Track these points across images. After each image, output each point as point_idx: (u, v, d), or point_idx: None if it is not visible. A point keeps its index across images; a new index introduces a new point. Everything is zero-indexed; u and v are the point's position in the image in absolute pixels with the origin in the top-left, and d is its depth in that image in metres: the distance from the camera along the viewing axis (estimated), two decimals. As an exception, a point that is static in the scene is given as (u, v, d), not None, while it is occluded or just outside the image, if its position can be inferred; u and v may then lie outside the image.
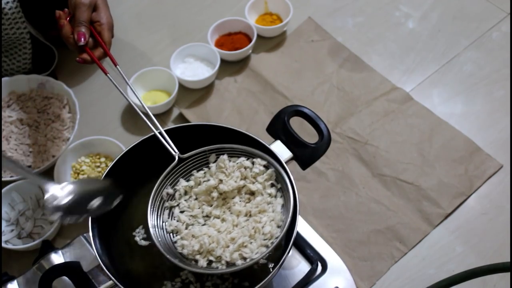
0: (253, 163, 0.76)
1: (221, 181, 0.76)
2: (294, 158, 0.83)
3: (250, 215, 0.74)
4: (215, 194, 0.75)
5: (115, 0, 1.40)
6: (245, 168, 0.76)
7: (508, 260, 0.75)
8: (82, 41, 0.84)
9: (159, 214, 0.75)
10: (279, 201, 0.74)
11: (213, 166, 0.77)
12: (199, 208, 0.76)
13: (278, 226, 0.71)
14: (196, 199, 0.77)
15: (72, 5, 0.87)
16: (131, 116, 1.19)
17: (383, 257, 0.99)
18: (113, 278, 0.71)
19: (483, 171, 1.07)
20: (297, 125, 0.88)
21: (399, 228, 1.01)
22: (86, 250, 0.85)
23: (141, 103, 0.84)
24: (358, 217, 1.03)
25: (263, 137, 0.82)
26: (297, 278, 0.88)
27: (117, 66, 0.84)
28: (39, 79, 1.17)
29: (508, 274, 0.87)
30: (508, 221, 1.01)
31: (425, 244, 1.00)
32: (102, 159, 1.09)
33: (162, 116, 1.19)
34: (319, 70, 1.24)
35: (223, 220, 0.74)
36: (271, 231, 0.70)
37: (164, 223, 0.75)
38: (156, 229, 0.73)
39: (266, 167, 0.76)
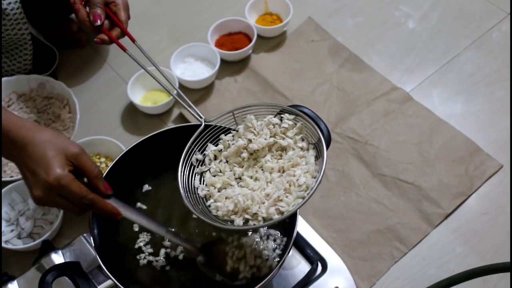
0: (281, 119, 0.75)
1: (250, 140, 0.75)
2: (294, 158, 0.83)
3: (284, 171, 0.72)
4: (245, 155, 0.74)
5: (115, 0, 1.40)
6: (274, 125, 0.75)
7: (508, 260, 0.75)
8: (98, 22, 0.84)
9: (190, 180, 0.74)
10: (312, 152, 0.72)
11: (240, 127, 0.76)
12: (230, 170, 0.75)
13: (313, 177, 0.70)
14: (226, 162, 0.76)
15: None
16: (131, 116, 1.19)
17: (383, 257, 0.99)
18: (113, 278, 0.71)
19: (483, 171, 1.07)
20: (297, 125, 0.88)
21: (399, 228, 1.01)
22: (86, 250, 0.85)
23: (164, 77, 0.83)
24: (358, 217, 1.03)
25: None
26: (297, 278, 0.88)
27: (135, 42, 0.85)
28: (39, 79, 1.17)
29: (508, 274, 0.87)
30: (508, 221, 1.01)
31: (425, 244, 1.00)
32: (102, 159, 1.09)
33: (162, 116, 1.19)
34: (319, 70, 1.24)
35: (256, 179, 0.73)
36: (306, 182, 0.69)
37: (196, 189, 0.74)
38: (189, 194, 0.72)
39: (295, 121, 0.74)
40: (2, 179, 1.04)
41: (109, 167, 0.81)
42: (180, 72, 1.22)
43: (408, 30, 1.30)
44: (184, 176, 0.73)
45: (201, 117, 0.76)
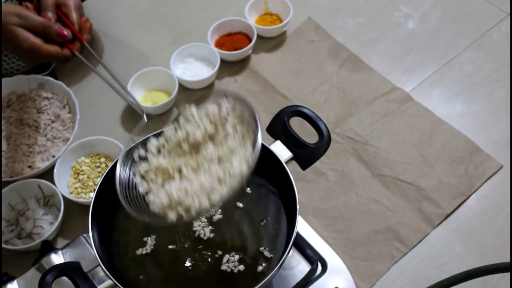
0: (220, 106, 0.73)
1: (189, 132, 0.73)
2: (294, 158, 0.83)
3: (222, 160, 0.71)
4: (185, 147, 0.73)
5: (115, 0, 1.41)
6: (213, 113, 0.73)
7: (508, 260, 0.75)
8: (68, 36, 0.87)
9: (130, 177, 0.73)
10: (251, 137, 0.71)
11: (181, 119, 0.74)
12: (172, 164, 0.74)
13: (248, 164, 0.69)
14: (169, 155, 0.74)
15: None
16: (131, 116, 1.19)
17: (383, 257, 0.99)
18: (112, 278, 0.71)
19: (483, 171, 1.07)
20: (297, 125, 0.88)
21: (399, 228, 1.01)
22: (86, 250, 0.85)
23: (104, 67, 0.86)
24: (358, 217, 1.03)
25: (263, 137, 0.82)
26: (297, 278, 0.88)
27: (85, 42, 0.86)
28: (39, 79, 1.17)
29: (508, 274, 0.87)
30: (508, 221, 1.01)
31: (425, 244, 1.00)
32: (102, 159, 1.09)
33: (162, 116, 1.19)
34: (319, 70, 1.24)
35: (195, 170, 0.72)
36: (240, 170, 0.68)
37: (137, 186, 0.72)
38: (128, 191, 0.71)
39: (235, 105, 0.73)
40: (2, 179, 1.04)
41: (109, 167, 0.81)
42: (180, 72, 1.22)
43: (408, 30, 1.30)
44: (124, 173, 0.72)
45: (143, 111, 0.75)
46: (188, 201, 0.68)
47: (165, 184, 0.72)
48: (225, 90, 0.72)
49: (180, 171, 0.73)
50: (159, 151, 0.75)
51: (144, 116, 0.75)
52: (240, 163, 0.69)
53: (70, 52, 0.87)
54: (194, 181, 0.70)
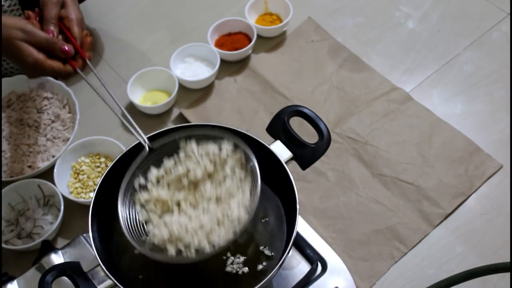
0: (220, 148, 0.75)
1: (189, 169, 0.75)
2: (294, 158, 0.83)
3: (221, 201, 0.73)
4: (185, 182, 0.74)
5: (115, 0, 1.41)
6: (214, 154, 0.75)
7: (508, 260, 0.75)
8: (72, 52, 0.87)
9: (131, 205, 0.75)
10: (249, 183, 0.73)
11: (181, 154, 0.76)
12: (171, 196, 0.75)
13: (247, 211, 0.71)
14: (168, 187, 0.76)
15: (41, 3, 0.88)
16: (131, 116, 1.19)
17: (383, 257, 0.99)
18: (112, 278, 0.71)
19: (483, 171, 1.07)
20: (297, 125, 0.88)
21: (399, 228, 1.01)
22: (86, 250, 0.85)
23: (113, 99, 0.87)
24: (358, 217, 1.03)
25: (263, 137, 0.82)
26: (297, 278, 0.88)
27: (87, 60, 0.87)
28: (39, 79, 1.17)
29: (508, 274, 0.87)
30: (508, 221, 1.01)
31: (425, 244, 1.00)
32: (102, 159, 1.09)
33: (162, 116, 1.19)
34: (319, 70, 1.24)
35: (194, 206, 0.74)
36: (239, 216, 0.70)
37: (137, 214, 0.74)
38: (128, 220, 0.73)
39: (236, 146, 0.75)
40: (2, 179, 1.04)
41: (109, 167, 0.81)
42: (180, 72, 1.22)
43: (408, 30, 1.30)
44: (126, 200, 0.74)
45: (145, 142, 0.77)
46: (188, 238, 0.70)
47: (163, 216, 0.74)
48: (230, 135, 0.75)
49: (178, 205, 0.74)
50: (158, 181, 0.76)
51: (146, 147, 0.76)
52: (239, 209, 0.71)
53: (72, 69, 0.87)
54: (193, 218, 0.72)
